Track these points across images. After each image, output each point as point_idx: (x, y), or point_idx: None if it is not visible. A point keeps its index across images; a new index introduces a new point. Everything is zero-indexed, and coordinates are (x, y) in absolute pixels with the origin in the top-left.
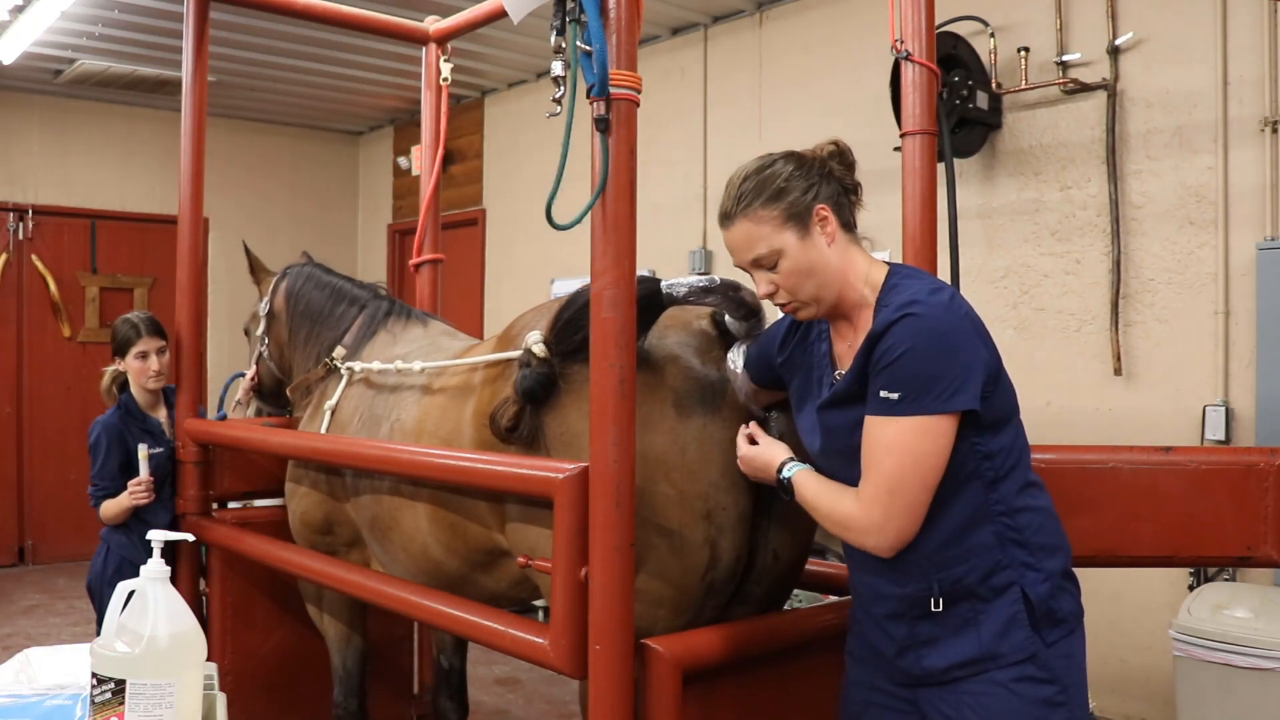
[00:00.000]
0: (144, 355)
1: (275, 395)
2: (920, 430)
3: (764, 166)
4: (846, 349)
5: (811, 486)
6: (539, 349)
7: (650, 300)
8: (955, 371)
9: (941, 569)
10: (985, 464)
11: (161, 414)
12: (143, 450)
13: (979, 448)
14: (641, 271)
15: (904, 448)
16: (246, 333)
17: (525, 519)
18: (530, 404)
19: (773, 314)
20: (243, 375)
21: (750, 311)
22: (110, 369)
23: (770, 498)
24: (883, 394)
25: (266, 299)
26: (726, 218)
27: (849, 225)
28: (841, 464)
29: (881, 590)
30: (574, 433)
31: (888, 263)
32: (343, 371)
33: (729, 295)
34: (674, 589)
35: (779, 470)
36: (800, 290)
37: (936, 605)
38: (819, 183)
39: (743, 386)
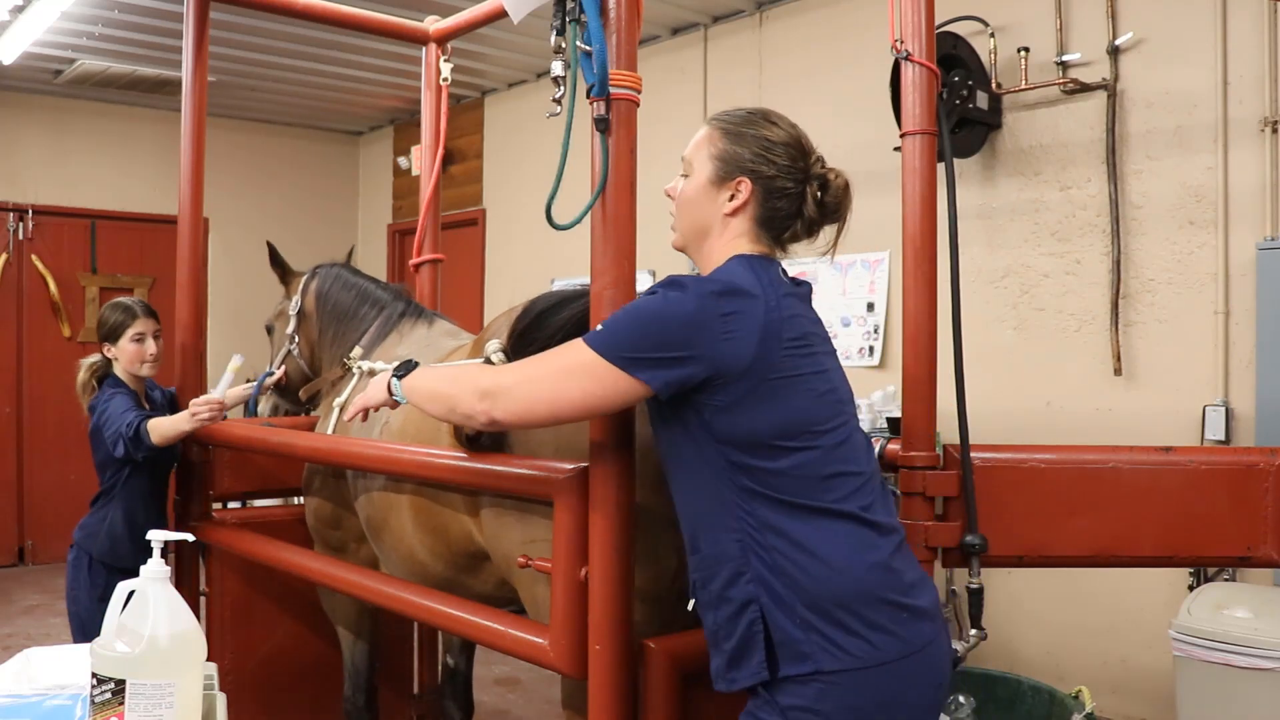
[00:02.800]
0: (140, 338)
1: None
2: (592, 363)
3: (761, 117)
4: None
5: (423, 373)
6: (497, 358)
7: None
8: (667, 343)
9: (697, 569)
10: (737, 473)
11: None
12: (236, 362)
13: (727, 455)
14: (641, 272)
15: (565, 364)
16: (269, 330)
17: (497, 518)
18: None
19: None
20: (271, 374)
21: None
22: (89, 360)
23: None
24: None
25: (296, 298)
26: (708, 120)
27: (765, 225)
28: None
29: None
30: (538, 440)
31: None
32: (354, 371)
33: None
34: (645, 595)
35: (389, 390)
36: (677, 211)
37: (692, 603)
38: (776, 171)
39: None
